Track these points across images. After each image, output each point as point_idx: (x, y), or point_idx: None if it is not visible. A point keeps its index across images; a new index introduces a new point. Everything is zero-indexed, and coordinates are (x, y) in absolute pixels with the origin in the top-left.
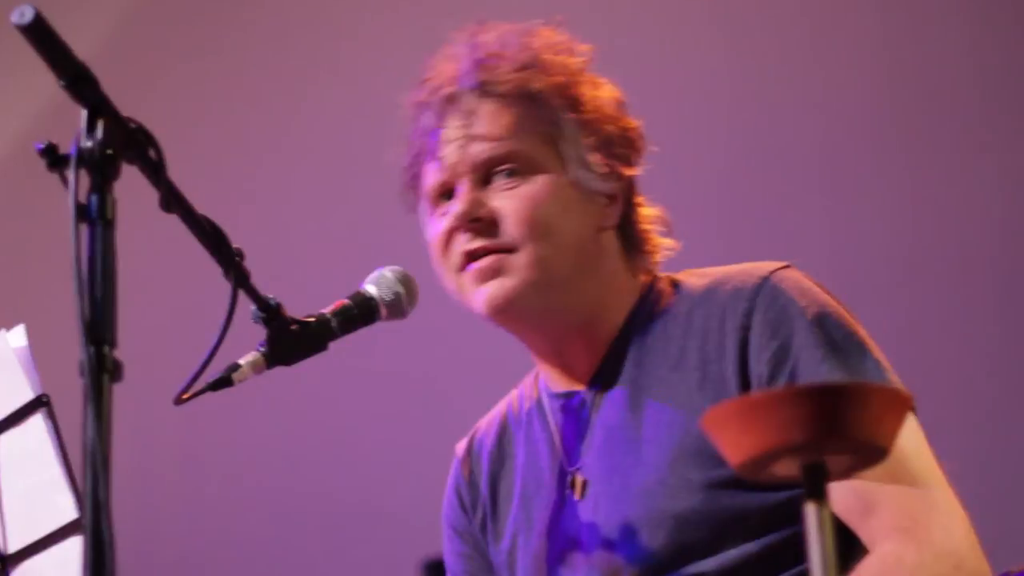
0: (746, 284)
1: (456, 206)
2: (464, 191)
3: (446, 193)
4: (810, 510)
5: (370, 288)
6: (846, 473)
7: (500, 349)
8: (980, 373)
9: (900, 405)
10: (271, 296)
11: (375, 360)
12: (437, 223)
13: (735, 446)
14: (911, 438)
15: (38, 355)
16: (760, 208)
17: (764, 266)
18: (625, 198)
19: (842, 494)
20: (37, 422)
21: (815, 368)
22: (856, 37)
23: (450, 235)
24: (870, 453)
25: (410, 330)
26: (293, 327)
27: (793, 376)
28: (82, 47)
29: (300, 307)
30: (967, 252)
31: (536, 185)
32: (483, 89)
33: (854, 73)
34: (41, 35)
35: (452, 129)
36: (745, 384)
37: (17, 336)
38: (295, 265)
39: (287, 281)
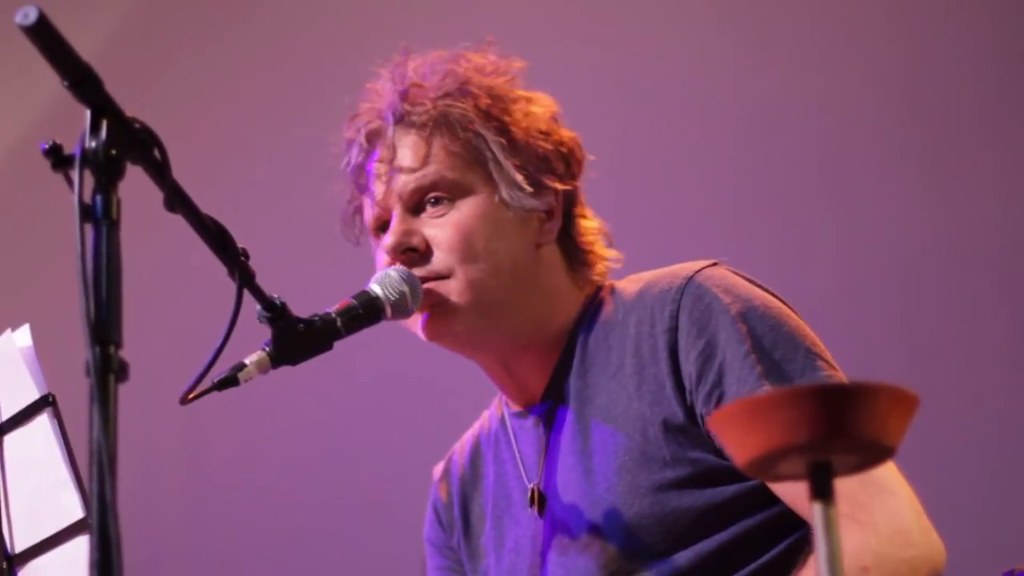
0: (672, 285)
1: (387, 237)
2: (394, 222)
3: (382, 226)
4: (817, 509)
5: (375, 288)
6: (852, 472)
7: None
8: (985, 375)
9: (906, 404)
10: (276, 296)
11: (382, 362)
12: (379, 255)
13: (741, 446)
14: None
15: (43, 355)
16: (764, 214)
17: (690, 266)
18: (565, 212)
19: (789, 484)
20: (43, 422)
21: (740, 363)
22: (862, 41)
23: (389, 264)
24: (876, 452)
25: (420, 340)
26: (298, 326)
27: (720, 372)
28: (85, 46)
29: (305, 306)
30: (975, 257)
31: (464, 211)
32: (405, 121)
33: (860, 78)
34: (45, 36)
35: (378, 164)
36: (679, 385)
37: (22, 336)
38: (300, 264)
39: (292, 280)
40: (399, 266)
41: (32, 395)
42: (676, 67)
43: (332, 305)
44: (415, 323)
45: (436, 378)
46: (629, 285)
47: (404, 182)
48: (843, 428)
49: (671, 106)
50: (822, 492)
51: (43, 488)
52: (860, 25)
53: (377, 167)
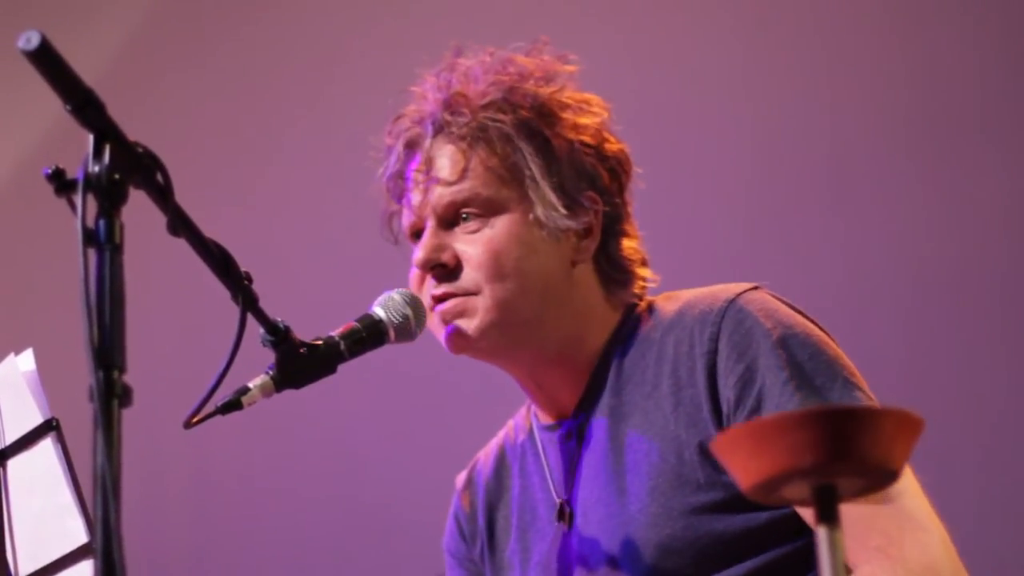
0: (712, 308)
1: (418, 252)
2: (425, 236)
3: (417, 233)
4: (822, 533)
5: (378, 311)
6: (857, 495)
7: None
8: (989, 380)
9: (911, 428)
10: (280, 319)
11: (389, 366)
12: (413, 264)
13: (745, 470)
14: None
15: (47, 379)
16: (767, 219)
17: (731, 288)
18: (606, 227)
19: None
20: (47, 446)
21: (780, 390)
22: (867, 46)
23: (421, 276)
24: (881, 476)
25: (427, 343)
26: (302, 350)
27: (759, 399)
28: (87, 67)
29: (309, 330)
30: (980, 263)
31: (497, 229)
32: (444, 131)
33: (865, 83)
34: (47, 61)
35: (416, 172)
36: (716, 409)
37: (26, 360)
38: (303, 288)
39: (295, 304)
40: (403, 289)
41: (36, 419)
42: (678, 73)
43: (335, 328)
44: (439, 336)
45: (444, 383)
46: (668, 304)
47: (439, 195)
48: (848, 452)
49: (674, 112)
50: (827, 516)
51: (47, 513)
52: (866, 31)
53: (415, 175)
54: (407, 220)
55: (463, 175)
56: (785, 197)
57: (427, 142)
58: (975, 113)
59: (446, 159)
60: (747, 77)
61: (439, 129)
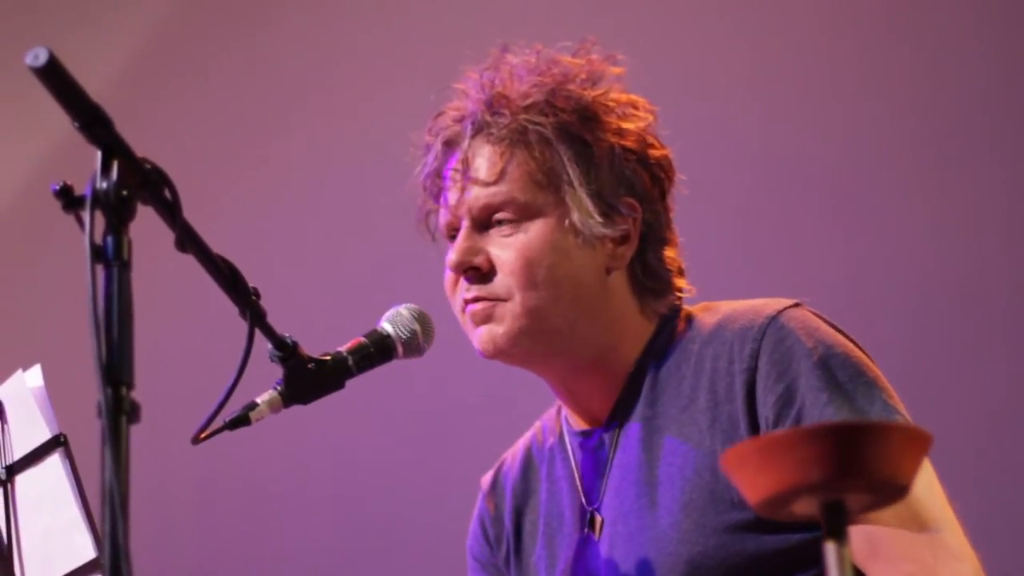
0: (753, 324)
1: (451, 254)
2: (460, 238)
3: (453, 233)
4: (830, 549)
5: (386, 326)
6: (865, 511)
7: (528, 373)
8: (992, 386)
9: (919, 444)
10: (288, 335)
11: (396, 387)
12: (446, 265)
13: (753, 485)
14: (921, 478)
15: (55, 395)
16: (769, 228)
17: (773, 304)
18: (644, 235)
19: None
20: (55, 462)
21: (820, 411)
22: (870, 54)
23: (455, 279)
24: (889, 492)
25: (435, 352)
26: (310, 366)
27: (799, 419)
28: (93, 77)
29: (316, 345)
30: (981, 270)
31: (531, 234)
32: (484, 132)
33: (869, 92)
34: (55, 78)
35: (453, 171)
36: (754, 426)
37: (34, 376)
38: (311, 303)
39: (303, 319)
40: (410, 304)
41: (44, 435)
42: (680, 80)
43: (343, 344)
44: (472, 338)
45: (453, 392)
46: (706, 315)
47: (475, 196)
48: (856, 467)
49: (676, 118)
50: (835, 532)
51: (55, 528)
52: (869, 38)
53: (452, 175)
54: (443, 219)
55: (500, 177)
56: (787, 201)
57: (466, 142)
58: (977, 116)
59: (484, 160)
60: (749, 81)
61: (479, 129)
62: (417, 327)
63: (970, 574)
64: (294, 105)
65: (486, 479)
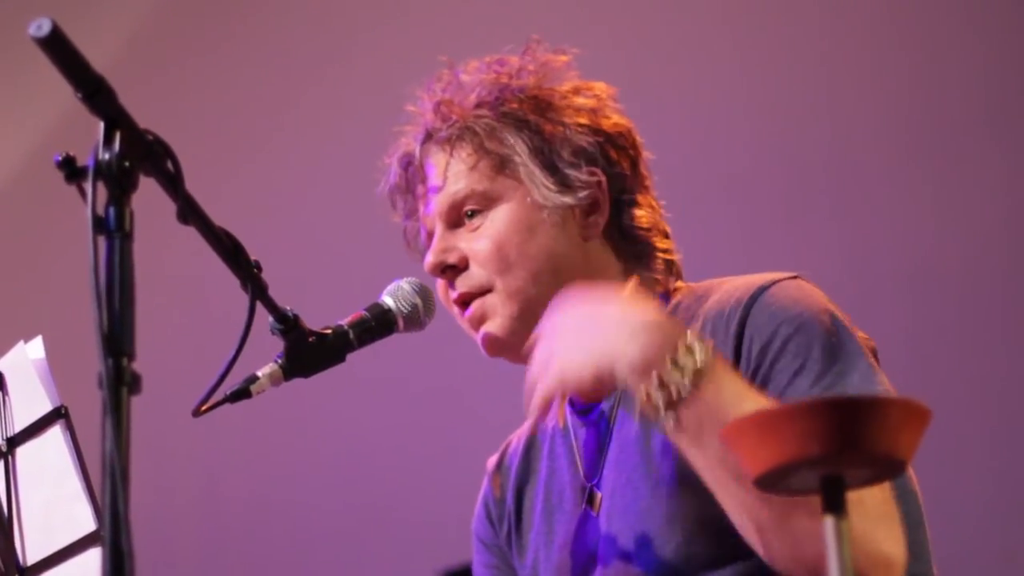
0: (745, 295)
1: (427, 258)
2: (434, 241)
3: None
4: (828, 523)
5: (387, 300)
6: (865, 485)
7: None
8: (991, 382)
9: (918, 417)
10: (289, 308)
11: (395, 369)
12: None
13: (753, 459)
14: None
15: (56, 366)
16: (770, 218)
17: (767, 277)
18: (614, 202)
19: None
20: (56, 434)
21: (789, 378)
22: (868, 47)
23: (444, 286)
24: (888, 466)
25: (431, 338)
26: (311, 339)
27: (765, 384)
28: (99, 55)
29: (318, 319)
30: (981, 265)
31: (497, 220)
32: (434, 138)
33: (866, 85)
34: (59, 48)
35: (418, 186)
36: None
37: (35, 348)
38: (313, 277)
39: (305, 293)
40: (412, 278)
41: (45, 407)
42: (679, 74)
43: (345, 318)
44: (476, 341)
45: (457, 389)
46: (706, 290)
47: (438, 201)
48: (855, 442)
49: (674, 113)
50: (834, 506)
51: (55, 500)
52: (867, 32)
53: (418, 189)
54: (422, 234)
55: (454, 176)
56: (788, 197)
57: (417, 150)
58: (977, 112)
59: (437, 165)
60: (749, 77)
61: (428, 137)
62: (418, 301)
63: (898, 540)
64: (296, 76)
65: (491, 461)
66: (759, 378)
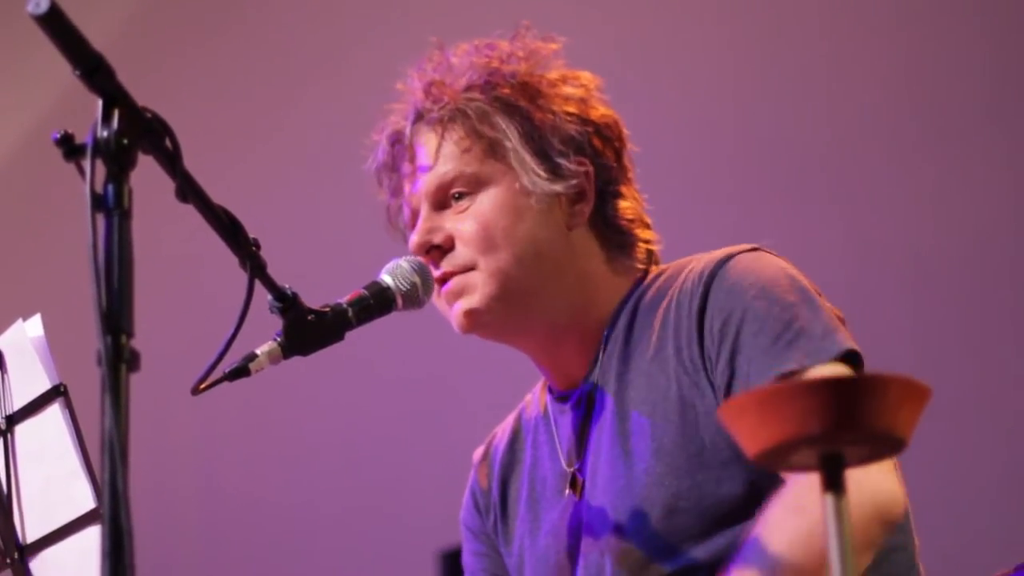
0: (706, 269)
1: (412, 236)
2: (419, 221)
3: (416, 224)
4: (828, 501)
5: (386, 278)
6: (864, 462)
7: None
8: (995, 373)
9: (917, 395)
10: (288, 286)
11: (389, 358)
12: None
13: (752, 437)
14: None
15: (55, 344)
16: (769, 211)
17: (729, 250)
18: (600, 191)
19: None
20: (54, 411)
21: (750, 343)
22: (869, 37)
23: (426, 263)
24: (887, 444)
25: (425, 328)
26: (310, 317)
27: (733, 352)
28: (97, 34)
29: (316, 297)
30: (982, 257)
31: (484, 202)
32: (425, 119)
33: (868, 75)
34: (57, 25)
35: (404, 164)
36: (707, 368)
37: (34, 325)
38: (311, 255)
39: (304, 271)
40: (410, 256)
41: (44, 385)
42: (679, 66)
43: (343, 296)
44: (449, 316)
45: (456, 383)
46: (679, 269)
47: (426, 181)
48: (854, 419)
49: (675, 105)
50: (833, 484)
51: (55, 478)
52: (867, 22)
53: (404, 167)
54: (406, 213)
55: (444, 157)
56: (788, 191)
57: (408, 130)
58: (980, 105)
59: (426, 146)
60: (749, 70)
61: (418, 117)
62: (417, 279)
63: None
64: (295, 57)
65: (478, 453)
66: (727, 353)
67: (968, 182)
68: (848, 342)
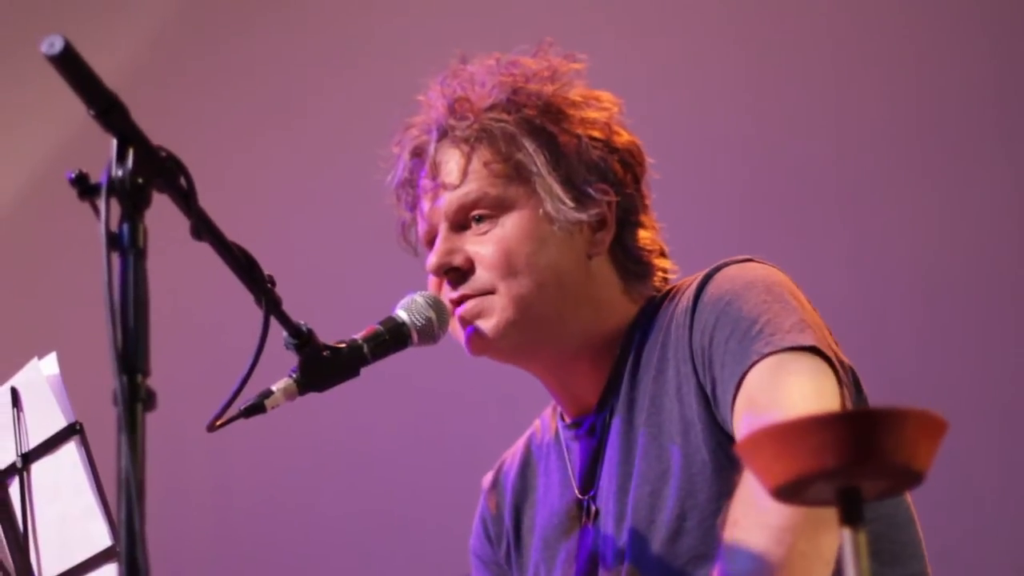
0: (694, 284)
1: (431, 257)
2: (438, 241)
3: (432, 241)
4: (846, 536)
5: (401, 313)
6: (881, 496)
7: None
8: (1003, 385)
9: (934, 429)
10: (303, 322)
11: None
12: (427, 270)
13: (769, 472)
14: (807, 385)
15: (70, 382)
16: (776, 224)
17: (719, 263)
18: (621, 220)
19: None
20: (70, 449)
21: (723, 348)
22: (876, 48)
23: (438, 283)
24: (905, 478)
25: (446, 354)
26: (325, 353)
27: (711, 363)
28: (110, 70)
29: (331, 333)
30: (988, 268)
31: (507, 227)
32: (449, 136)
33: (874, 86)
34: (71, 65)
35: (425, 180)
36: (700, 384)
37: (49, 364)
38: (326, 291)
39: (318, 307)
40: (425, 291)
41: (59, 423)
42: (684, 75)
43: (358, 331)
44: (460, 339)
45: (466, 392)
46: (681, 287)
47: (448, 200)
48: (872, 453)
49: (679, 117)
50: (851, 518)
51: (71, 516)
52: (876, 36)
53: (424, 183)
54: (422, 229)
55: (469, 177)
56: (792, 199)
57: (432, 148)
58: (986, 116)
59: (451, 162)
60: (753, 78)
61: (443, 134)
62: (432, 314)
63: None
64: (307, 92)
65: (487, 479)
66: (708, 363)
67: (976, 195)
68: (814, 342)
